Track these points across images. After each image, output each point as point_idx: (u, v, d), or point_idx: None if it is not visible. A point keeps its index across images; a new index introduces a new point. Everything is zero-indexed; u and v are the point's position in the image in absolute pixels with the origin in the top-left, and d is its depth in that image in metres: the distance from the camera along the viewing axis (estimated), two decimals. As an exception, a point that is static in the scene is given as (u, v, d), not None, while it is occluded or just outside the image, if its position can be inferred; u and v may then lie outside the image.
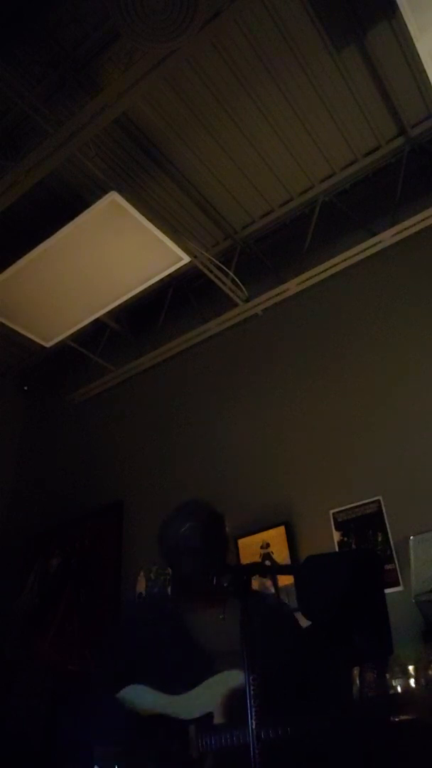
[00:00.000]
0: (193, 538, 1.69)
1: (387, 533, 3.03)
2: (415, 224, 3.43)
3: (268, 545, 3.33)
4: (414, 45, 2.65)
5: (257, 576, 1.45)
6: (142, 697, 1.54)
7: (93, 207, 3.17)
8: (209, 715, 1.44)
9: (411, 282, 3.54)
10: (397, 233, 3.49)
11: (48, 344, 4.12)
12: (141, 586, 3.75)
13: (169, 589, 3.60)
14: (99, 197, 3.18)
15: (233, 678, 1.44)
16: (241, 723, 1.17)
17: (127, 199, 3.15)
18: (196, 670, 1.51)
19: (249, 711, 1.15)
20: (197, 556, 1.65)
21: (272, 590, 2.83)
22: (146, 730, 1.48)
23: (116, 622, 3.67)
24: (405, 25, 2.55)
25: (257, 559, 3.28)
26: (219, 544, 1.68)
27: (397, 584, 2.87)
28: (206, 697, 1.46)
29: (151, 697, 1.53)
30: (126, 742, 1.50)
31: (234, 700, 1.42)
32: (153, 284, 3.78)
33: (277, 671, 1.36)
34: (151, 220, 3.28)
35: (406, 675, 2.40)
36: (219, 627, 1.55)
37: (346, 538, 3.14)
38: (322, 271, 3.71)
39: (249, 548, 3.34)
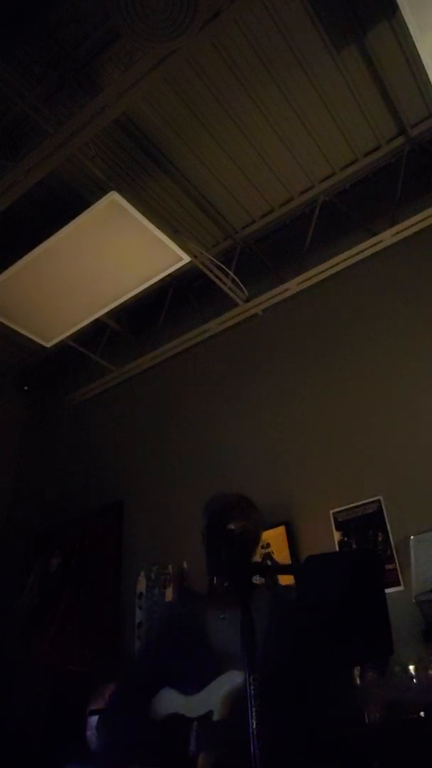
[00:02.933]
0: (205, 536, 1.70)
1: (387, 533, 3.02)
2: (415, 224, 3.43)
3: (268, 545, 3.33)
4: (414, 45, 2.65)
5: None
6: (165, 698, 1.55)
7: (93, 207, 3.17)
8: (209, 714, 1.44)
9: (411, 282, 3.53)
10: (397, 233, 3.49)
11: (48, 344, 4.12)
12: (141, 586, 3.75)
13: (169, 591, 3.60)
14: (99, 197, 3.18)
15: (234, 677, 1.44)
16: (240, 721, 1.17)
17: (127, 199, 3.15)
18: (209, 670, 1.51)
19: (249, 711, 1.15)
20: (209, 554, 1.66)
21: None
22: (159, 733, 1.49)
23: (120, 626, 3.67)
24: (405, 25, 2.55)
25: (257, 559, 3.27)
26: (223, 544, 1.68)
27: (397, 584, 2.86)
28: (210, 697, 1.47)
29: (171, 698, 1.54)
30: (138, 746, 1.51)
31: (234, 699, 1.42)
32: (153, 284, 3.78)
33: (277, 671, 1.36)
34: (151, 220, 3.27)
35: (407, 675, 2.40)
36: (232, 627, 1.54)
37: (346, 538, 3.14)
38: (322, 271, 3.71)
39: (249, 548, 3.33)
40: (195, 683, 1.51)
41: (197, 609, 1.70)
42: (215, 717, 1.42)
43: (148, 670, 1.69)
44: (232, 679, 1.44)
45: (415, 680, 2.35)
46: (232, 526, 1.69)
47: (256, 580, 1.42)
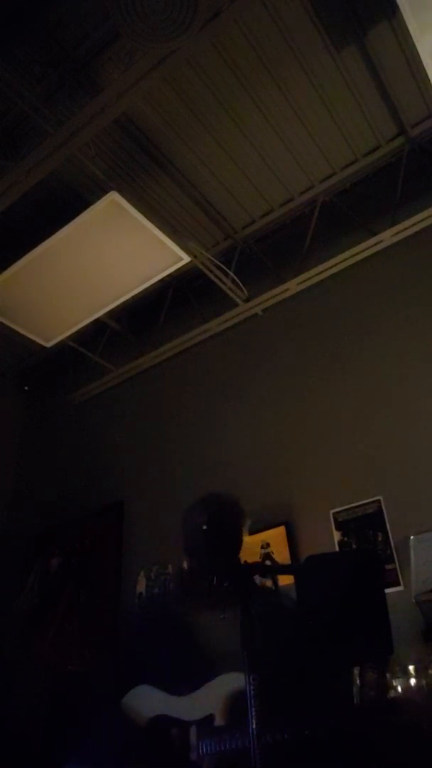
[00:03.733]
0: (199, 536, 1.69)
1: (387, 533, 3.02)
2: (415, 224, 3.43)
3: (268, 545, 3.33)
4: (414, 45, 2.65)
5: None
6: (146, 697, 1.54)
7: (93, 207, 3.17)
8: (210, 717, 1.44)
9: (411, 282, 3.53)
10: (397, 233, 3.49)
11: (48, 344, 4.12)
12: (141, 586, 3.75)
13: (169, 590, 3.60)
14: (99, 197, 3.17)
15: (235, 680, 1.43)
16: (242, 725, 1.17)
17: (127, 199, 3.15)
18: (201, 671, 1.50)
19: (249, 711, 1.14)
20: (201, 555, 1.65)
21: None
22: (146, 734, 1.48)
23: (120, 626, 3.67)
24: (405, 25, 2.55)
25: (257, 559, 3.28)
26: (224, 544, 1.67)
27: (397, 584, 2.87)
28: (208, 699, 1.46)
29: (155, 697, 1.53)
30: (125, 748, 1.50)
31: (235, 703, 1.41)
32: (153, 284, 3.78)
33: (277, 671, 1.36)
34: (151, 220, 3.27)
35: (407, 675, 2.40)
36: (225, 627, 1.54)
37: (346, 538, 3.14)
38: (322, 271, 3.71)
39: (249, 548, 3.30)
40: (187, 683, 1.50)
41: (194, 608, 1.70)
42: (218, 721, 1.41)
43: (134, 659, 1.68)
44: (233, 682, 1.43)
45: (414, 680, 2.35)
46: (210, 525, 1.69)
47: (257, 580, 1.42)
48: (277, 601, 1.61)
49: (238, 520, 1.73)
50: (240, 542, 1.73)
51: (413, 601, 2.70)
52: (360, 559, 1.54)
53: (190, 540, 1.72)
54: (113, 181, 3.46)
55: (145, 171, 3.69)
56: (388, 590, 2.70)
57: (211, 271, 3.90)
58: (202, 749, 1.39)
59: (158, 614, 1.80)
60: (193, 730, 1.42)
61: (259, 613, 1.36)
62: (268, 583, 1.71)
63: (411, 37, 2.59)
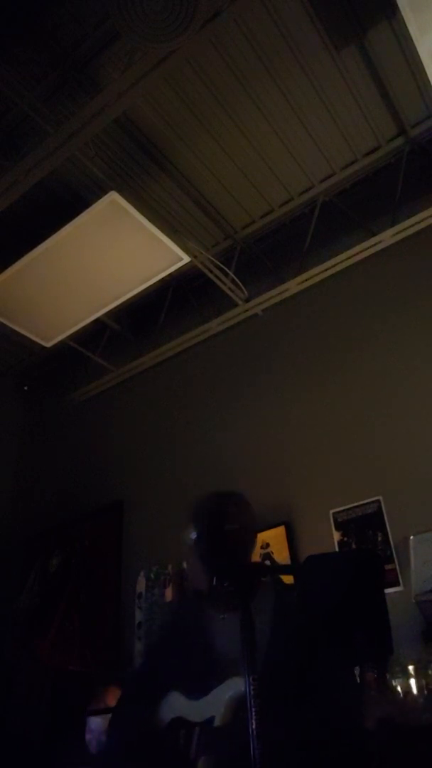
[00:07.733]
0: (197, 540, 1.69)
1: (387, 533, 3.03)
2: (415, 224, 3.43)
3: (268, 545, 3.33)
4: (414, 45, 2.65)
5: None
6: (171, 702, 1.54)
7: (93, 207, 3.17)
8: (211, 719, 1.44)
9: (411, 282, 3.54)
10: (397, 233, 3.49)
11: (48, 344, 4.12)
12: (141, 586, 3.75)
13: (168, 590, 3.60)
14: (99, 197, 3.18)
15: (237, 684, 1.43)
16: (240, 727, 1.17)
17: (127, 199, 3.15)
18: (216, 673, 1.50)
19: (249, 710, 1.14)
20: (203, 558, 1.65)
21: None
22: (161, 735, 1.48)
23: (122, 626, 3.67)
24: (405, 25, 2.55)
25: (257, 559, 3.28)
26: (222, 546, 1.67)
27: (397, 584, 2.87)
28: (214, 702, 1.46)
29: (178, 701, 1.53)
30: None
31: (236, 705, 1.41)
32: (153, 284, 3.78)
33: (279, 671, 1.36)
34: (151, 220, 3.27)
35: (406, 675, 2.40)
36: (232, 629, 1.54)
37: (346, 538, 3.14)
38: (322, 271, 3.71)
39: (249, 548, 3.33)
40: (200, 687, 1.50)
41: (199, 611, 1.69)
42: (216, 722, 1.41)
43: (151, 673, 1.68)
44: (236, 686, 1.43)
45: (414, 680, 2.36)
46: (231, 526, 1.68)
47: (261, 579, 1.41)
48: (281, 600, 1.60)
49: (246, 517, 1.72)
50: (250, 542, 1.72)
51: (413, 601, 2.71)
52: (360, 559, 1.53)
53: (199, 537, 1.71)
54: (113, 181, 3.46)
55: (145, 171, 3.69)
56: (387, 590, 2.70)
57: (211, 271, 3.90)
58: (198, 750, 1.39)
59: (168, 617, 1.80)
60: (196, 732, 1.43)
61: (264, 611, 1.36)
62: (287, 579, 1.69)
63: (411, 37, 2.59)
